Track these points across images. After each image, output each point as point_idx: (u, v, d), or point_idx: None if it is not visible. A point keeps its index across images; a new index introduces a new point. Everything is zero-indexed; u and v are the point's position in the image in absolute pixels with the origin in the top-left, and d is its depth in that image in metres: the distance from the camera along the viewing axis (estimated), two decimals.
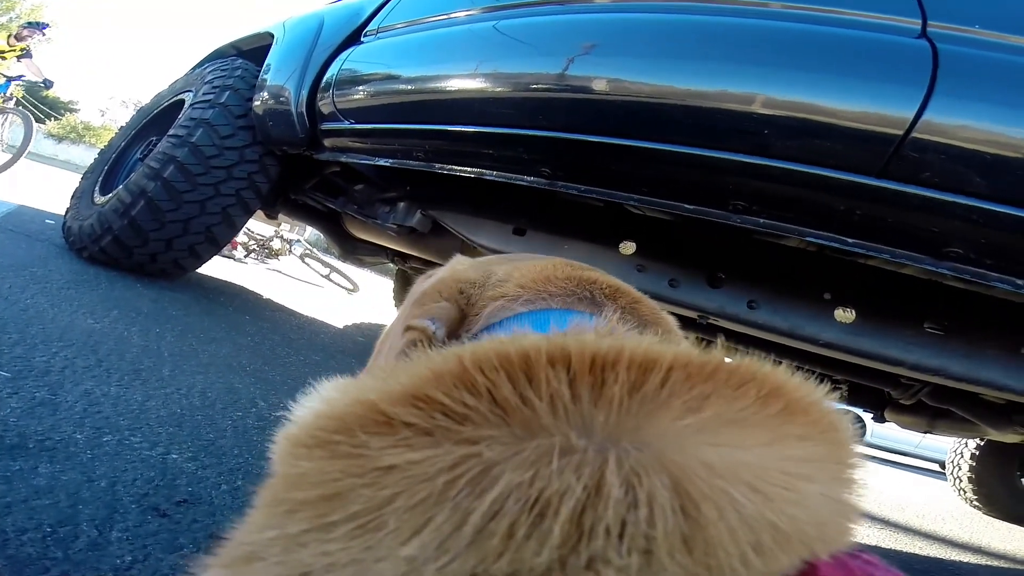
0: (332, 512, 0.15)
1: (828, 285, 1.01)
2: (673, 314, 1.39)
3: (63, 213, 1.96)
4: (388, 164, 1.16)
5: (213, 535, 0.57)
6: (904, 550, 1.57)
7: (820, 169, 0.70)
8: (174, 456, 0.71)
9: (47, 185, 4.68)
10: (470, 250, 1.59)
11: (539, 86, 0.89)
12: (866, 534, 1.64)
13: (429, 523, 0.14)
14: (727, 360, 0.20)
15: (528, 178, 0.93)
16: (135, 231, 1.58)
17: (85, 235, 1.66)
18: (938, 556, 1.60)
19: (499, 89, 0.93)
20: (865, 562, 0.19)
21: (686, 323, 1.30)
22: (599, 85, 0.86)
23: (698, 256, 1.06)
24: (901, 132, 0.66)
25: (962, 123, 0.64)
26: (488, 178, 0.96)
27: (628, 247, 1.03)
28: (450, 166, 1.04)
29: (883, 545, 1.56)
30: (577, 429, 0.15)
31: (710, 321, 1.11)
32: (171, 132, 1.65)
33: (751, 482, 0.15)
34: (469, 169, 1.00)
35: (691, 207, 0.80)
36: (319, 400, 0.20)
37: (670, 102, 0.77)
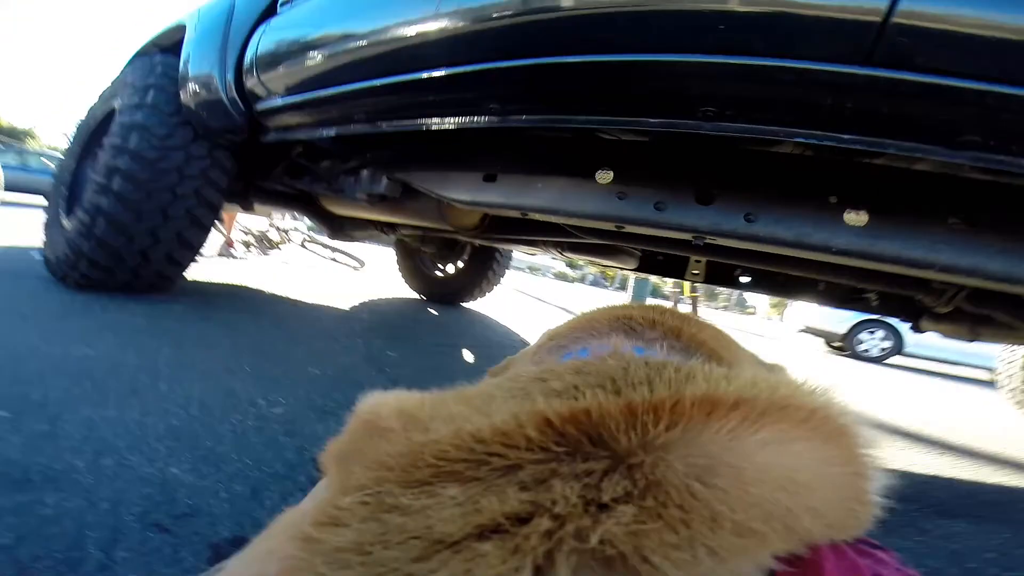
0: (414, 473, 0.21)
1: (833, 189, 0.96)
2: (666, 239, 1.34)
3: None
4: (333, 134, 1.13)
5: (212, 545, 0.61)
6: (966, 479, 1.51)
7: (794, 62, 0.64)
8: (173, 470, 0.75)
9: (30, 218, 4.77)
10: (448, 208, 1.57)
11: (466, 16, 0.83)
12: (923, 462, 1.60)
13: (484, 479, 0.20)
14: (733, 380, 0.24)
15: (478, 118, 0.89)
16: (106, 250, 1.61)
17: (63, 263, 1.70)
18: (1008, 485, 1.51)
19: (423, 29, 0.88)
20: (877, 561, 0.21)
21: (682, 246, 1.27)
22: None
23: (684, 175, 1.01)
24: (881, 16, 0.60)
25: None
26: (435, 128, 0.93)
27: (605, 176, 1.00)
28: (394, 122, 1.00)
29: (943, 475, 1.51)
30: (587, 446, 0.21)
31: (707, 241, 1.08)
32: (107, 143, 1.65)
33: (715, 468, 0.19)
34: (412, 122, 0.97)
35: (656, 120, 0.76)
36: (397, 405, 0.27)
37: (610, 10, 0.71)
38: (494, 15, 0.81)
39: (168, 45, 2.00)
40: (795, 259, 1.28)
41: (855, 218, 0.94)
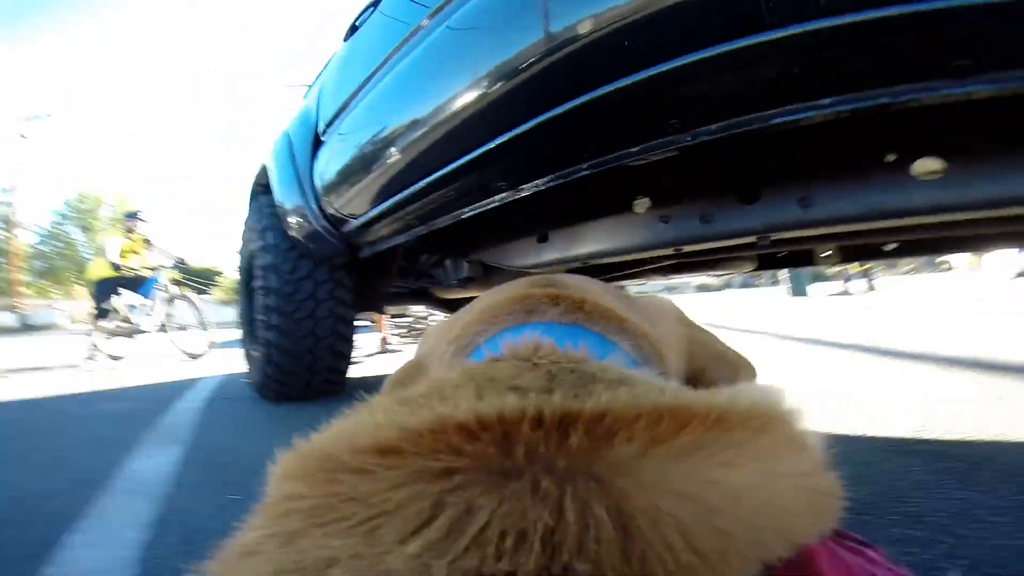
0: (328, 514, 0.18)
1: (886, 145, 0.88)
2: (729, 247, 1.30)
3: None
4: (405, 239, 1.33)
5: None
6: None
7: (717, 48, 0.66)
8: None
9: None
10: (526, 273, 1.71)
11: (439, 124, 0.98)
12: None
13: (429, 526, 0.16)
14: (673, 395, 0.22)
15: (499, 196, 1.02)
16: (283, 372, 2.00)
17: (262, 386, 2.19)
18: None
19: (421, 134, 1.06)
20: (868, 560, 0.20)
21: (749, 248, 1.22)
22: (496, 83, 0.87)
23: (721, 179, 1.01)
24: None
25: None
26: (470, 215, 1.08)
27: (642, 204, 1.04)
28: (441, 218, 1.17)
29: None
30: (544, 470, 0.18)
31: (772, 239, 1.05)
32: (256, 285, 2.00)
33: (682, 490, 0.17)
34: (453, 215, 1.13)
35: (636, 149, 0.80)
36: (328, 434, 0.23)
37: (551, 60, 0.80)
38: (454, 117, 0.92)
39: (266, 184, 2.14)
40: (897, 229, 1.14)
41: (930, 165, 0.85)
